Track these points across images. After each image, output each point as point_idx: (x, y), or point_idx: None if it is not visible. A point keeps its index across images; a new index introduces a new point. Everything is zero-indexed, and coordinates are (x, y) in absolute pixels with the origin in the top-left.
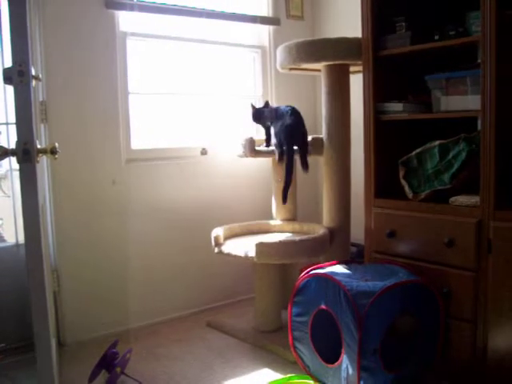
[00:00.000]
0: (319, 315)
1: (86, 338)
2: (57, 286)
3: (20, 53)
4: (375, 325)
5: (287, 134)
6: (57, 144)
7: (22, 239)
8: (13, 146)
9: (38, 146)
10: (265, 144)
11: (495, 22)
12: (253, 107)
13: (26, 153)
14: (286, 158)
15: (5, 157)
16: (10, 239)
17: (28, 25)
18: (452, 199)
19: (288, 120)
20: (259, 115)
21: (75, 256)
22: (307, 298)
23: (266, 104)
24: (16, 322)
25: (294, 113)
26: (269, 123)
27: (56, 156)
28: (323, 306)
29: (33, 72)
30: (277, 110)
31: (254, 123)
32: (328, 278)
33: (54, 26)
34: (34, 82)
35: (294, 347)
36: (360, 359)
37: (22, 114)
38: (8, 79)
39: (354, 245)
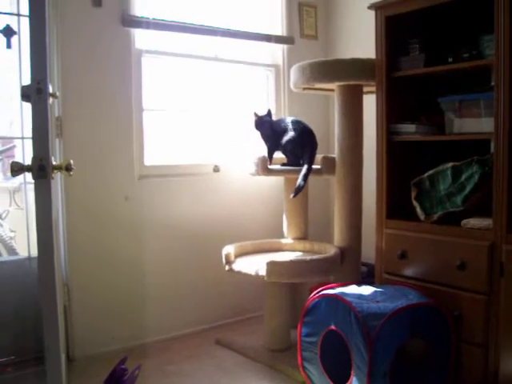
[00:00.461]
0: (329, 336)
1: (96, 353)
2: (67, 299)
3: (38, 71)
4: (385, 347)
5: (311, 145)
6: (72, 161)
7: (34, 252)
8: (27, 159)
9: (54, 163)
10: (267, 154)
11: (509, 45)
12: (255, 115)
13: (41, 169)
14: (306, 165)
15: (20, 173)
16: (23, 252)
17: (47, 44)
18: (464, 222)
19: (305, 130)
20: (262, 123)
21: (86, 270)
22: (317, 318)
23: (269, 113)
24: (26, 334)
25: (303, 126)
26: (278, 130)
27: (71, 173)
28: (333, 327)
29: (50, 89)
30: (285, 120)
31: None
32: (338, 299)
33: (70, 43)
34: (50, 100)
35: (303, 367)
36: (370, 381)
37: (38, 131)
38: (26, 97)
39: (364, 264)
